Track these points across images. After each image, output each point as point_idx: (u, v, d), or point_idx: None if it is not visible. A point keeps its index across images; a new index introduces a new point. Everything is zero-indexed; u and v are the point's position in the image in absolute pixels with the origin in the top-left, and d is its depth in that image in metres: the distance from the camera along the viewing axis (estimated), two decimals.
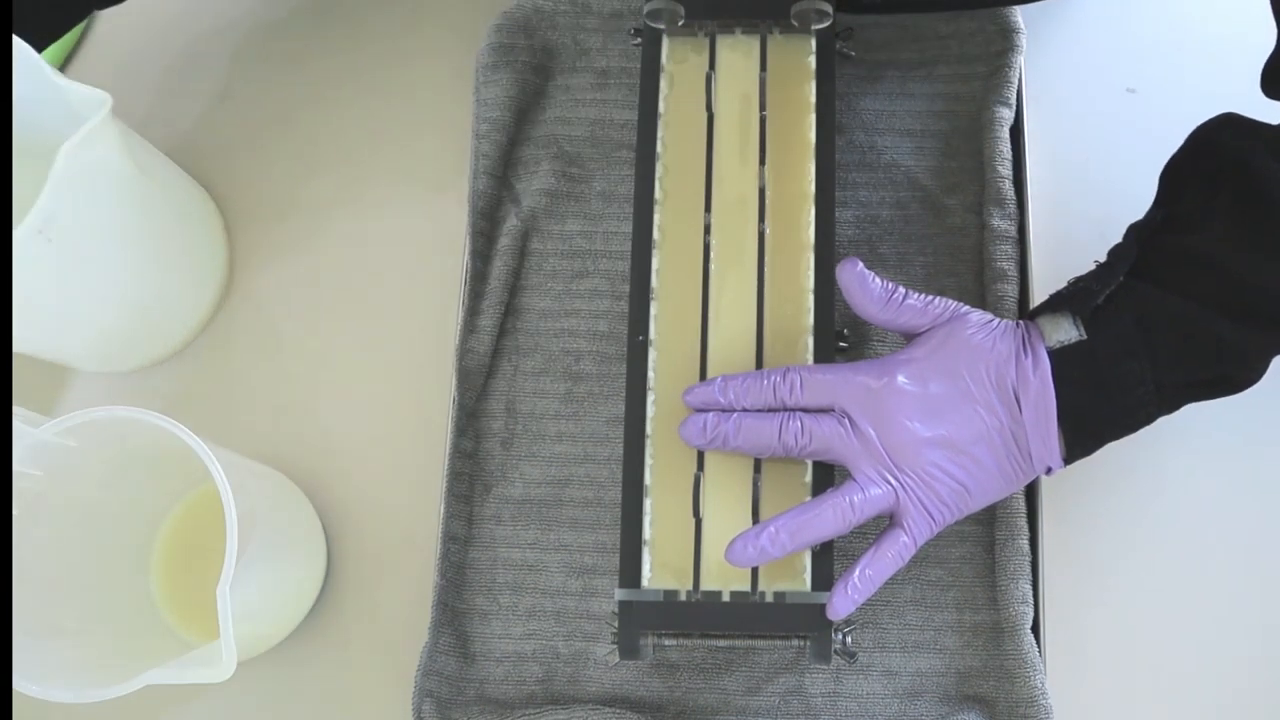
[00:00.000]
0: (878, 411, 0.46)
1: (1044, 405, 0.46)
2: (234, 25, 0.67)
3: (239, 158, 0.64)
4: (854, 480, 0.46)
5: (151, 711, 0.55)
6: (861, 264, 0.48)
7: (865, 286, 0.48)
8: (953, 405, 0.46)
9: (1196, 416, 0.56)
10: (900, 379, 0.47)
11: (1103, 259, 0.50)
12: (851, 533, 0.54)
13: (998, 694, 0.52)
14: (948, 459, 0.46)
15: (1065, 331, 0.47)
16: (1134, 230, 0.49)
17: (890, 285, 0.48)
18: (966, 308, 0.48)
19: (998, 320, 0.48)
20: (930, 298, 0.48)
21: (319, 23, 0.65)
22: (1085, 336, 0.47)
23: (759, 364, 0.50)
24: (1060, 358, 0.46)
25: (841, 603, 0.46)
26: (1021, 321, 0.49)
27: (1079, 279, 0.48)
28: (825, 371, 0.47)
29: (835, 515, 0.46)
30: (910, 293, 0.48)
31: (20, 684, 0.44)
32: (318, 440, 0.59)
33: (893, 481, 0.46)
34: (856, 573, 0.46)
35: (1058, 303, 0.48)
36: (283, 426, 0.59)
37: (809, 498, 0.49)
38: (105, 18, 0.68)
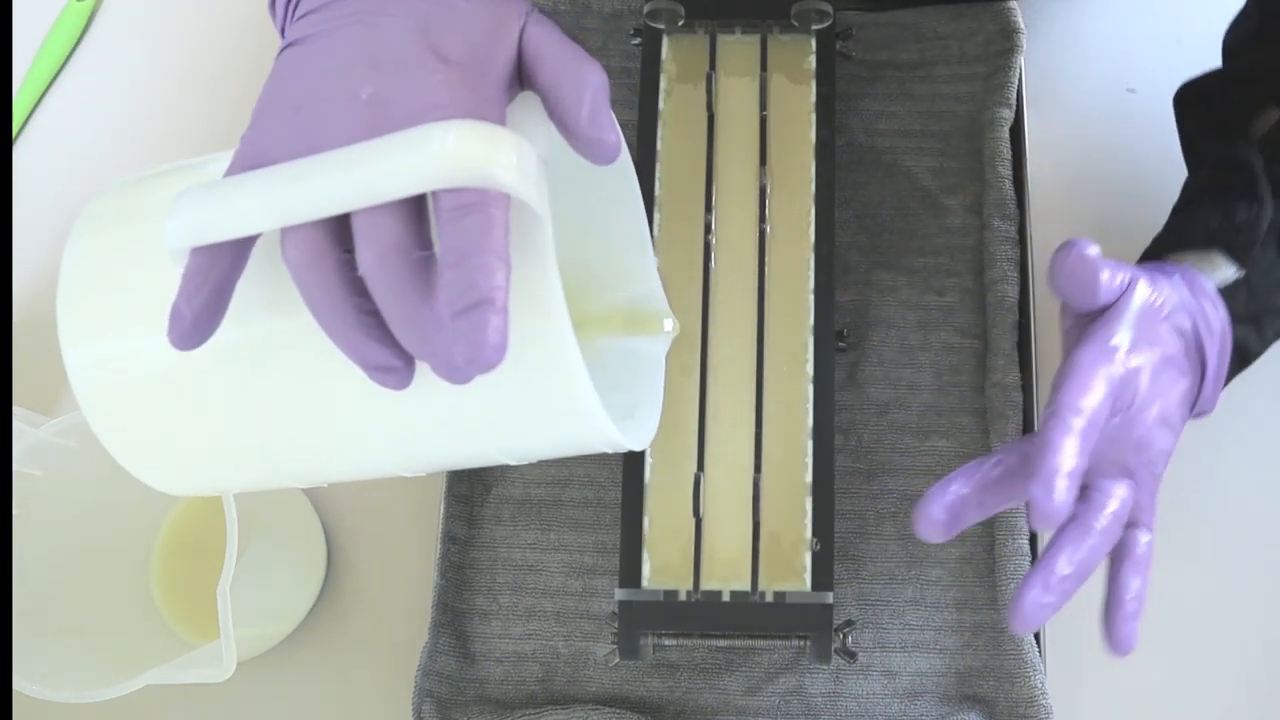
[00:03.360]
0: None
1: (1225, 351, 0.44)
2: (232, 21, 0.67)
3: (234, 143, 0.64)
4: (1096, 492, 0.41)
5: (151, 711, 0.55)
6: (1094, 247, 0.41)
7: (1095, 280, 0.41)
8: (1161, 376, 0.42)
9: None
10: (1137, 388, 0.41)
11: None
12: (849, 534, 0.55)
13: (998, 694, 0.52)
14: (1164, 436, 0.43)
15: (1223, 270, 0.45)
16: (1255, 149, 0.46)
17: (1118, 273, 0.42)
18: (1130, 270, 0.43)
19: (1163, 273, 0.44)
20: (1125, 275, 0.42)
21: None
22: (1244, 273, 0.45)
23: (759, 364, 0.50)
24: (1225, 297, 0.45)
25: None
26: (1172, 264, 0.45)
27: (1223, 215, 0.45)
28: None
29: (1107, 541, 0.40)
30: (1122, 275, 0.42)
31: (20, 684, 0.44)
32: None
33: (1130, 479, 0.42)
34: (1129, 596, 0.41)
35: (1206, 240, 0.45)
36: None
37: (809, 498, 0.49)
38: (106, 17, 0.68)
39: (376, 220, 0.29)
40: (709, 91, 0.54)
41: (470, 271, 0.29)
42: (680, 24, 0.55)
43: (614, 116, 0.34)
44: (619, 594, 0.48)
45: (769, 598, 0.48)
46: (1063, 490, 0.38)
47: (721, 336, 0.51)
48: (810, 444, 0.50)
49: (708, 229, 0.52)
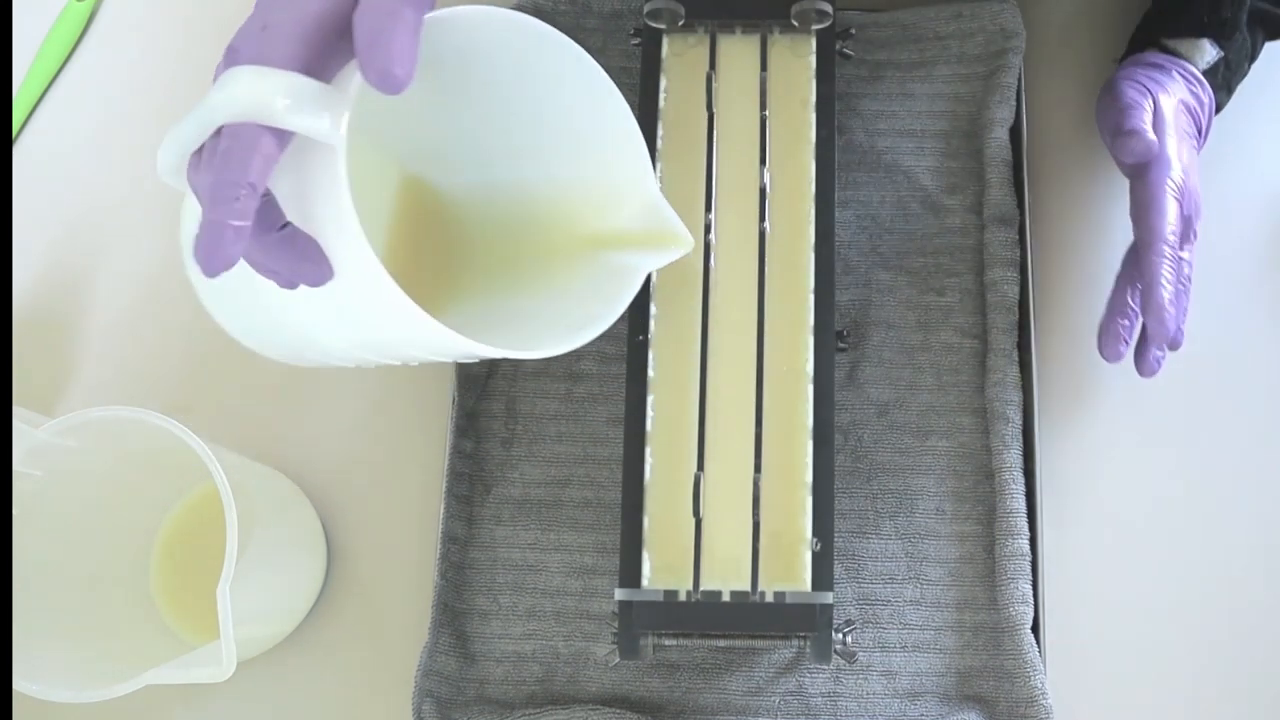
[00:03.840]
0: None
1: (1211, 116, 0.56)
2: (232, 21, 0.67)
3: None
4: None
5: (151, 711, 0.55)
6: (1143, 129, 0.52)
7: (1150, 146, 0.52)
8: (1190, 153, 0.54)
9: (1198, 416, 0.56)
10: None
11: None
12: (849, 534, 0.55)
13: (998, 694, 0.52)
14: (1196, 189, 0.53)
15: (1208, 54, 0.55)
16: None
17: (1151, 117, 0.53)
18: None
19: (1163, 71, 0.55)
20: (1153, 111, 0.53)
21: None
22: (1223, 54, 0.55)
23: (759, 364, 0.50)
24: (1207, 75, 0.56)
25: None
26: (1163, 57, 0.55)
27: (1204, 6, 0.55)
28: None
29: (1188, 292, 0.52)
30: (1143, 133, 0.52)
31: (20, 684, 0.44)
32: (318, 440, 0.59)
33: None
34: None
35: (1198, 30, 0.55)
36: (283, 426, 0.59)
37: (809, 498, 0.49)
38: (106, 17, 0.68)
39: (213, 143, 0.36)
40: (709, 91, 0.54)
41: (220, 187, 0.35)
42: (680, 24, 0.55)
43: (408, 48, 0.35)
44: (619, 594, 0.48)
45: (769, 598, 0.48)
46: (1170, 317, 0.50)
47: (721, 336, 0.51)
48: (810, 444, 0.50)
49: (708, 229, 0.52)
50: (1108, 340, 0.53)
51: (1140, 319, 0.53)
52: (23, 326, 0.61)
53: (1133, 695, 0.54)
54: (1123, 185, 0.60)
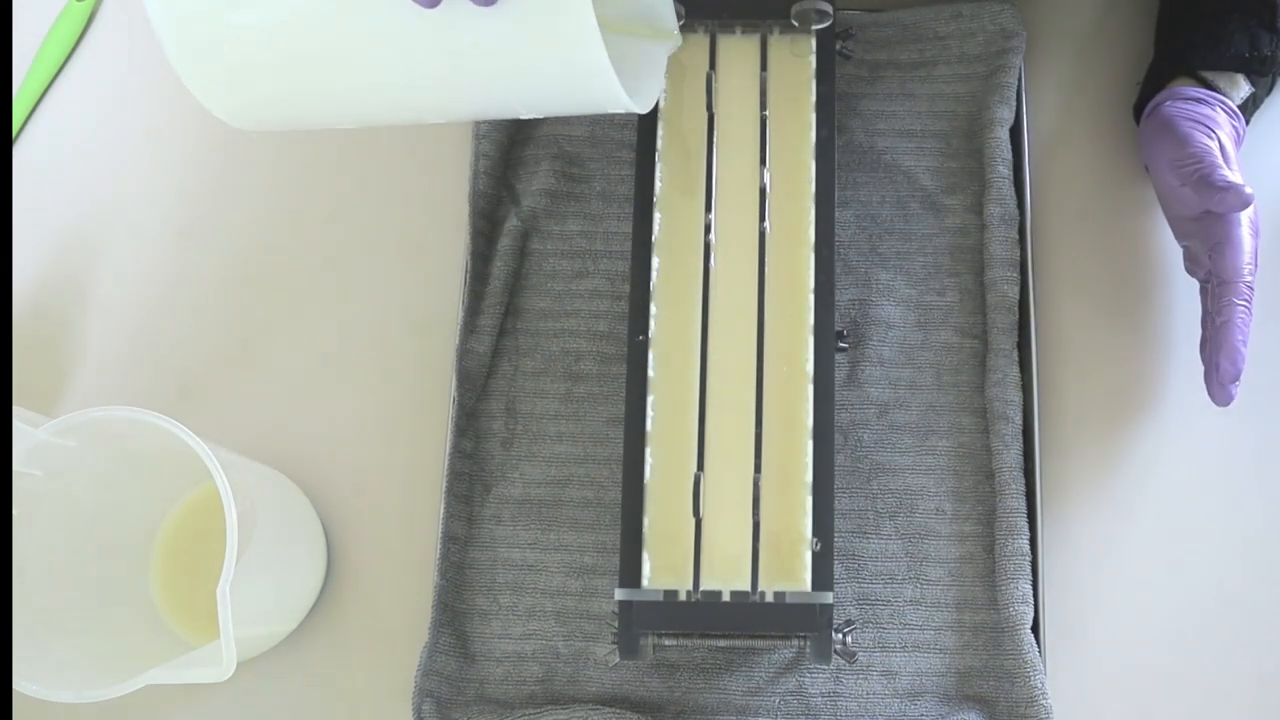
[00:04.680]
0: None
1: (1241, 144, 0.57)
2: None
3: (236, 153, 0.64)
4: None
5: (151, 711, 0.55)
6: (1243, 188, 0.51)
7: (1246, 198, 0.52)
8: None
9: (1198, 416, 0.56)
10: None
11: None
12: (849, 534, 0.55)
13: (998, 694, 0.52)
14: None
15: (1242, 88, 0.56)
16: None
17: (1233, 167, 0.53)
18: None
19: (1209, 105, 0.55)
20: (1209, 174, 0.52)
21: None
22: (1255, 90, 0.57)
23: (759, 364, 0.50)
24: (1241, 108, 0.57)
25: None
26: (1205, 90, 0.56)
27: (1245, 43, 0.56)
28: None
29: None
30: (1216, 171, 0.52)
31: (20, 684, 0.44)
32: (318, 440, 0.59)
33: None
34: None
35: (1238, 66, 0.56)
36: (283, 426, 0.59)
37: (809, 498, 0.49)
38: (106, 17, 0.68)
39: None
40: (709, 91, 0.54)
41: None
42: (680, 24, 0.55)
43: None
44: (619, 594, 0.48)
45: (769, 598, 0.48)
46: (1243, 358, 0.52)
47: (721, 336, 0.51)
48: (810, 444, 0.50)
49: (708, 229, 0.52)
50: (1216, 394, 0.53)
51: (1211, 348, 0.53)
52: (23, 326, 0.61)
53: (1133, 695, 0.54)
54: (1122, 185, 0.60)
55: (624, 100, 0.41)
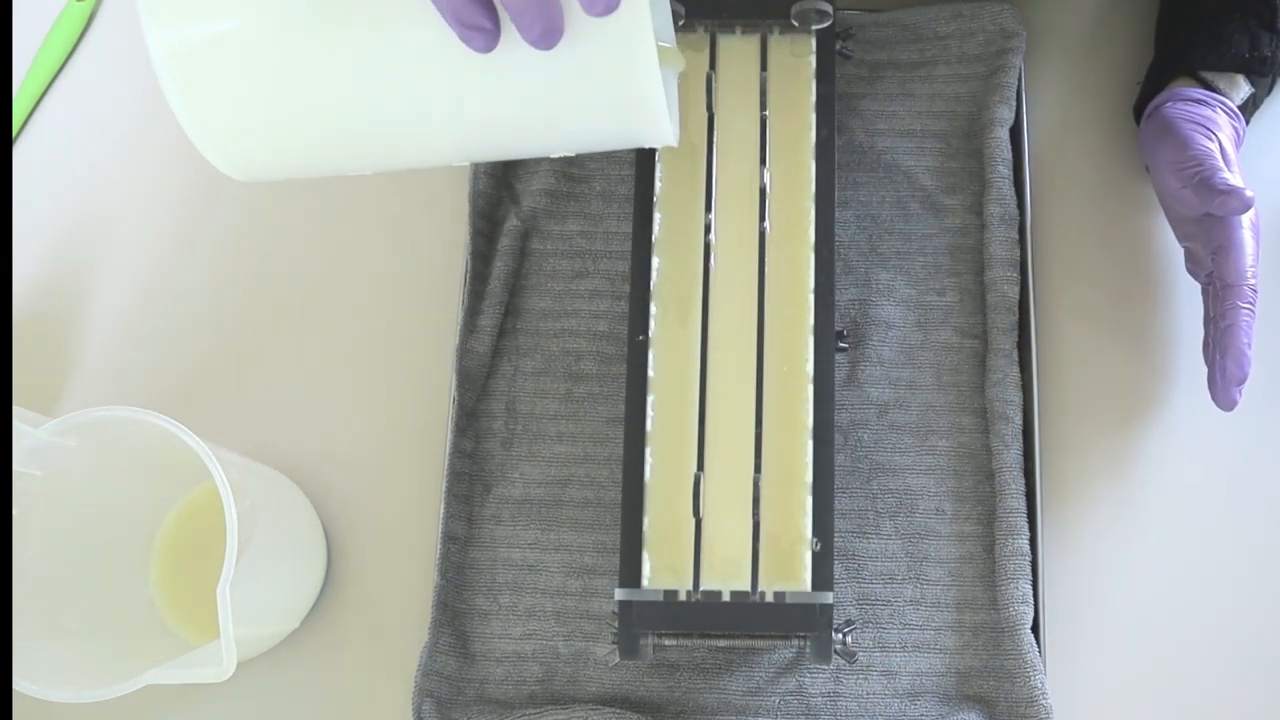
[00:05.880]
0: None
1: (1241, 144, 0.57)
2: None
3: None
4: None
5: (151, 711, 0.55)
6: (1244, 190, 0.51)
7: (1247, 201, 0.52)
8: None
9: (1198, 416, 0.56)
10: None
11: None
12: (849, 534, 0.55)
13: (998, 694, 0.52)
14: None
15: (1242, 89, 0.56)
16: None
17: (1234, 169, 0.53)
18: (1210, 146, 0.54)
19: (1209, 107, 0.55)
20: (1212, 177, 0.52)
21: None
22: (1255, 90, 0.56)
23: (759, 364, 0.50)
24: (1240, 108, 0.57)
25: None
26: (1205, 90, 0.56)
27: (1245, 44, 0.55)
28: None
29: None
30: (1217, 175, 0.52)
31: (20, 684, 0.44)
32: (318, 440, 0.59)
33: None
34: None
35: (1238, 66, 0.56)
36: (283, 426, 0.59)
37: (809, 498, 0.49)
38: (106, 17, 0.68)
39: None
40: (709, 91, 0.54)
41: None
42: (680, 23, 0.55)
43: None
44: (619, 594, 0.48)
45: (769, 598, 0.48)
46: (1249, 360, 0.51)
47: (721, 336, 0.51)
48: (810, 444, 0.50)
49: (708, 229, 0.52)
50: (1221, 397, 0.52)
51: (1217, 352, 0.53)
52: (23, 326, 0.61)
53: (1133, 695, 0.53)
54: (1122, 184, 0.60)
55: (668, 134, 0.39)
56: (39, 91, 0.66)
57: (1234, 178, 0.52)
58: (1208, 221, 0.53)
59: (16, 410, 0.48)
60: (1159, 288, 0.59)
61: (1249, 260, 0.52)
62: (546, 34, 0.35)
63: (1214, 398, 0.53)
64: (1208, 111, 0.55)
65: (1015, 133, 0.59)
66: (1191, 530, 0.55)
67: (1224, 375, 0.52)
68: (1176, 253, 0.58)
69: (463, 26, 0.35)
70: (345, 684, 0.55)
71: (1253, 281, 0.52)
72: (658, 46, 0.38)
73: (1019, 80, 0.60)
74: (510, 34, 0.35)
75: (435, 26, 0.35)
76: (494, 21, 0.35)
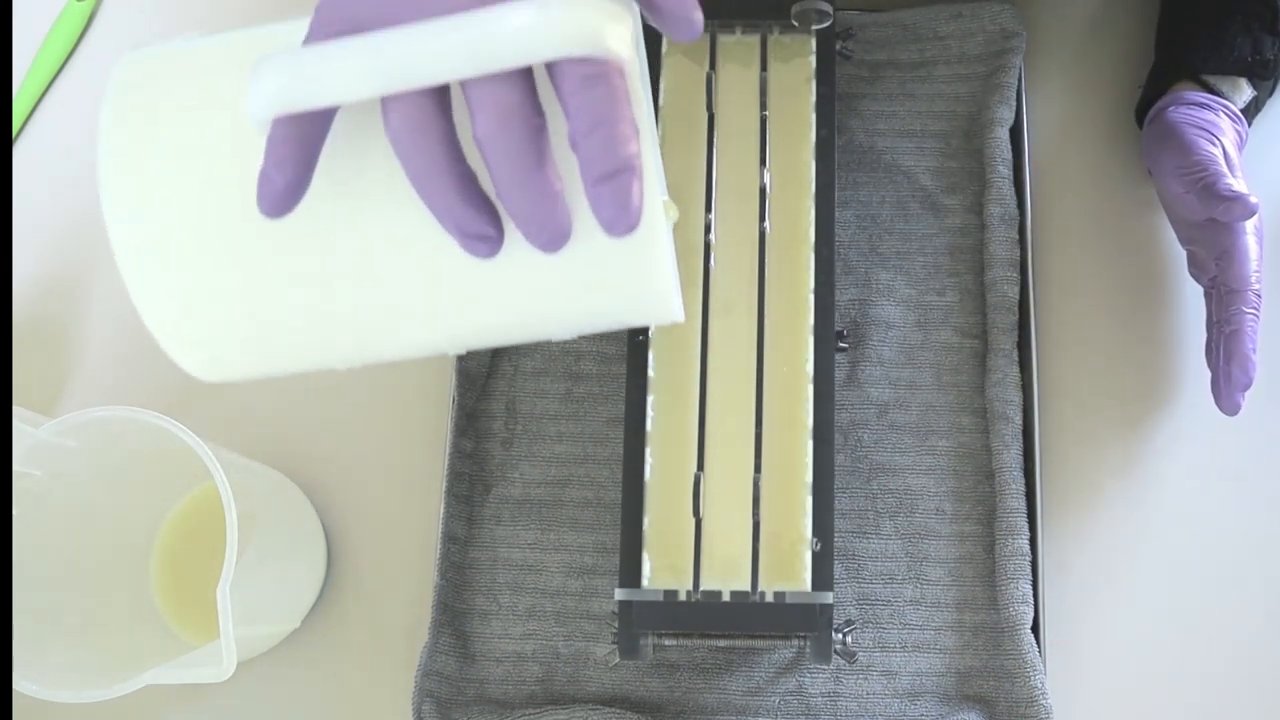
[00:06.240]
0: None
1: (1243, 147, 0.57)
2: (233, 21, 0.67)
3: None
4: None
5: (151, 711, 0.55)
6: (1248, 197, 0.51)
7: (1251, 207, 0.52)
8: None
9: (1199, 416, 0.56)
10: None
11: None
12: (849, 534, 0.55)
13: (998, 694, 0.52)
14: None
15: (1244, 92, 0.56)
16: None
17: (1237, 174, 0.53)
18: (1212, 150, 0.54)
19: (1212, 111, 0.55)
20: (1215, 182, 0.52)
21: None
22: (1257, 93, 0.56)
23: (759, 363, 0.50)
24: (1243, 110, 0.57)
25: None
26: (1208, 94, 0.56)
27: (1247, 46, 0.55)
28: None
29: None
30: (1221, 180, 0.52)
31: (20, 684, 0.44)
32: (318, 440, 0.59)
33: None
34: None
35: (1240, 70, 0.56)
36: (283, 426, 0.59)
37: (809, 498, 0.49)
38: (105, 17, 0.68)
39: (495, 87, 0.30)
40: (709, 91, 0.54)
41: (609, 139, 0.30)
42: None
43: None
44: (619, 594, 0.48)
45: (769, 598, 0.48)
46: (1254, 365, 0.52)
47: (721, 336, 0.51)
48: (810, 444, 0.50)
49: (708, 229, 0.52)
50: (1226, 403, 0.53)
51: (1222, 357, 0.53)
52: (23, 326, 0.61)
53: (1133, 695, 0.54)
54: (1123, 184, 0.60)
55: (677, 314, 0.36)
56: (39, 91, 0.66)
57: (1238, 184, 0.52)
58: (1212, 227, 0.53)
59: (16, 410, 0.48)
60: (1160, 287, 0.59)
61: (1253, 266, 0.52)
62: (554, 240, 0.32)
63: (1218, 403, 0.53)
64: (1211, 115, 0.55)
65: (1015, 133, 0.59)
66: (1192, 530, 0.55)
67: (1229, 381, 0.52)
68: (1178, 252, 0.58)
69: (466, 237, 0.32)
70: (345, 684, 0.55)
71: (1257, 287, 0.52)
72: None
73: (1019, 80, 0.60)
74: (514, 233, 0.33)
75: (430, 226, 0.32)
76: (498, 228, 0.32)
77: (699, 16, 0.33)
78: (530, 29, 0.30)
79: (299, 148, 0.31)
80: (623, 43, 0.31)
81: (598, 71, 0.30)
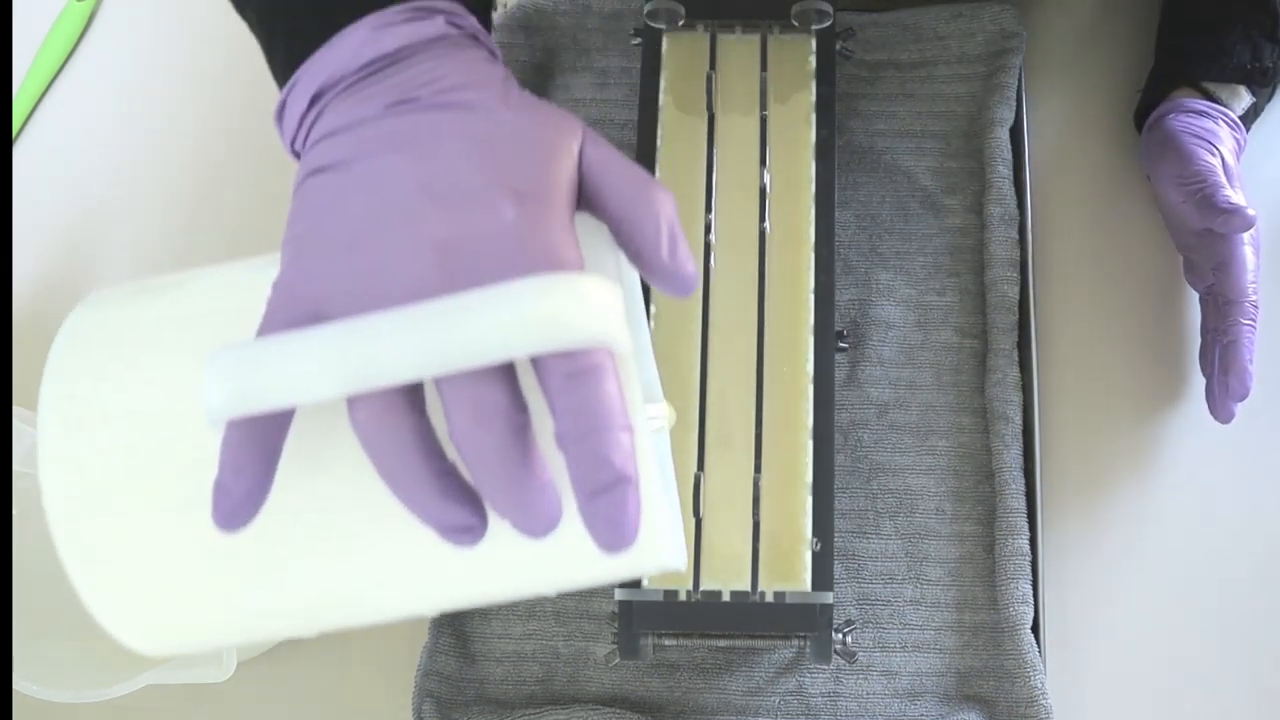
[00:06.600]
0: None
1: (1242, 154, 0.57)
2: (233, 21, 0.67)
3: (235, 143, 0.64)
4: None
5: (151, 711, 0.55)
6: (1245, 209, 0.51)
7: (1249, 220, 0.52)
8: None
9: (1198, 416, 0.56)
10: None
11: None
12: (849, 534, 0.55)
13: (998, 694, 0.52)
14: None
15: (1243, 99, 0.56)
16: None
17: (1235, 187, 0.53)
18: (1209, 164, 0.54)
19: (1210, 119, 0.55)
20: (1215, 193, 0.52)
21: None
22: (1256, 100, 0.56)
23: (759, 363, 0.50)
24: (1241, 117, 0.56)
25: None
26: (1208, 102, 0.55)
27: (1246, 54, 0.55)
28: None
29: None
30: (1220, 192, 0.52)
31: (20, 684, 0.44)
32: None
33: None
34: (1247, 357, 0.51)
35: (1240, 77, 0.55)
36: None
37: (809, 498, 0.49)
38: (106, 17, 0.68)
39: (471, 384, 0.27)
40: (709, 91, 0.54)
41: (601, 447, 0.27)
42: (680, 23, 0.55)
43: (688, 245, 0.31)
44: (619, 594, 0.48)
45: (769, 598, 0.48)
46: (1251, 376, 0.52)
47: (721, 337, 0.51)
48: (810, 444, 0.50)
49: (708, 229, 0.52)
50: (1220, 411, 0.53)
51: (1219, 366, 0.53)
52: (23, 326, 0.61)
53: (1132, 695, 0.53)
54: (1122, 185, 0.60)
55: (678, 561, 0.33)
56: (39, 91, 0.66)
57: (1236, 195, 0.52)
58: (1209, 236, 0.53)
59: (16, 410, 0.48)
60: (1160, 288, 0.59)
61: (1250, 277, 0.52)
62: (544, 530, 0.28)
63: (1212, 411, 0.53)
64: (1210, 124, 0.55)
65: (1015, 133, 0.59)
66: (1191, 530, 0.55)
67: (1226, 391, 0.52)
68: (1176, 253, 0.58)
69: (445, 530, 0.29)
70: (345, 684, 0.55)
71: (1254, 298, 0.52)
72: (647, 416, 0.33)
73: (1019, 80, 0.60)
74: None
75: (405, 529, 0.29)
76: (481, 517, 0.29)
77: (693, 271, 0.31)
78: (507, 326, 0.27)
79: (256, 453, 0.28)
80: (609, 325, 0.28)
81: (584, 366, 0.28)
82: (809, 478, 0.49)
